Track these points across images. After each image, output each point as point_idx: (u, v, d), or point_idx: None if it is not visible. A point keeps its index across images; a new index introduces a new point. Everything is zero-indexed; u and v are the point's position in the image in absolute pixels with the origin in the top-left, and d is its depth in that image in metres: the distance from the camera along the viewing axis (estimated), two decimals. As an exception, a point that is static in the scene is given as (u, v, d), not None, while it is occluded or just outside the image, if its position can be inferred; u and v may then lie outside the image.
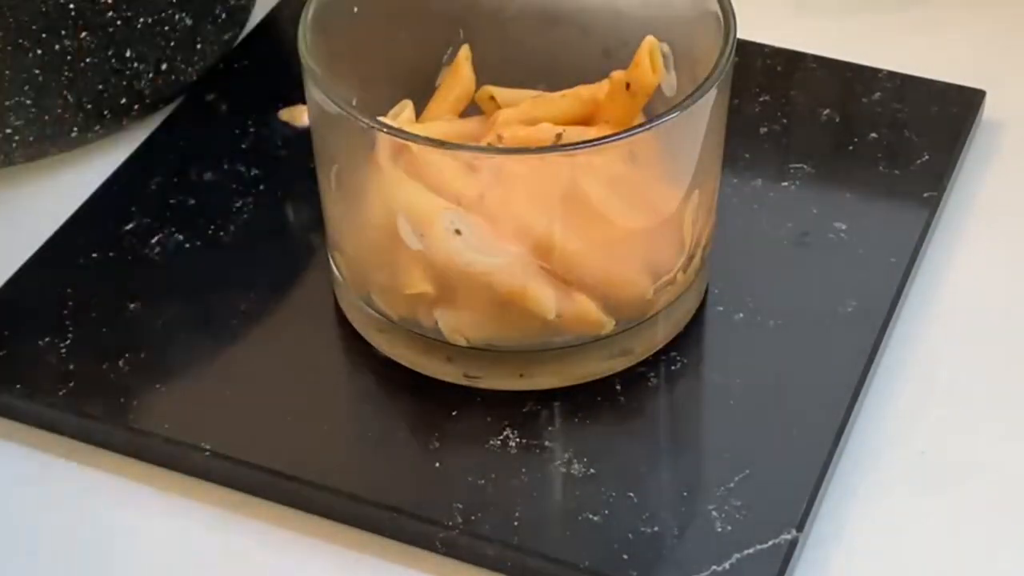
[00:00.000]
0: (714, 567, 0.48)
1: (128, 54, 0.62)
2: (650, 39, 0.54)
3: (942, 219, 0.60)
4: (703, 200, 0.53)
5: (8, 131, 0.62)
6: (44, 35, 0.60)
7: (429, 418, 0.53)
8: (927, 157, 0.61)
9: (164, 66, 0.64)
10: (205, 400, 0.54)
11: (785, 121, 0.63)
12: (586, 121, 0.55)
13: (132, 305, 0.57)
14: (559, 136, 0.53)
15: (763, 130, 0.62)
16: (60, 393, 0.54)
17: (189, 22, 0.64)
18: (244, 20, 0.68)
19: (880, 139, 0.62)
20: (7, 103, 0.61)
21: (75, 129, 0.63)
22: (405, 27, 0.57)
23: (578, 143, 0.51)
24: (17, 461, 0.54)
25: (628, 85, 0.54)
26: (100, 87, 0.62)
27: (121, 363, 0.55)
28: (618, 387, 0.54)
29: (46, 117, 0.62)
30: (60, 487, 0.53)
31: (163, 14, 0.62)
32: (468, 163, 0.50)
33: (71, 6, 0.59)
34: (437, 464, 0.52)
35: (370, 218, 0.52)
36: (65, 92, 0.62)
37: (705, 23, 0.52)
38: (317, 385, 0.54)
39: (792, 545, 0.49)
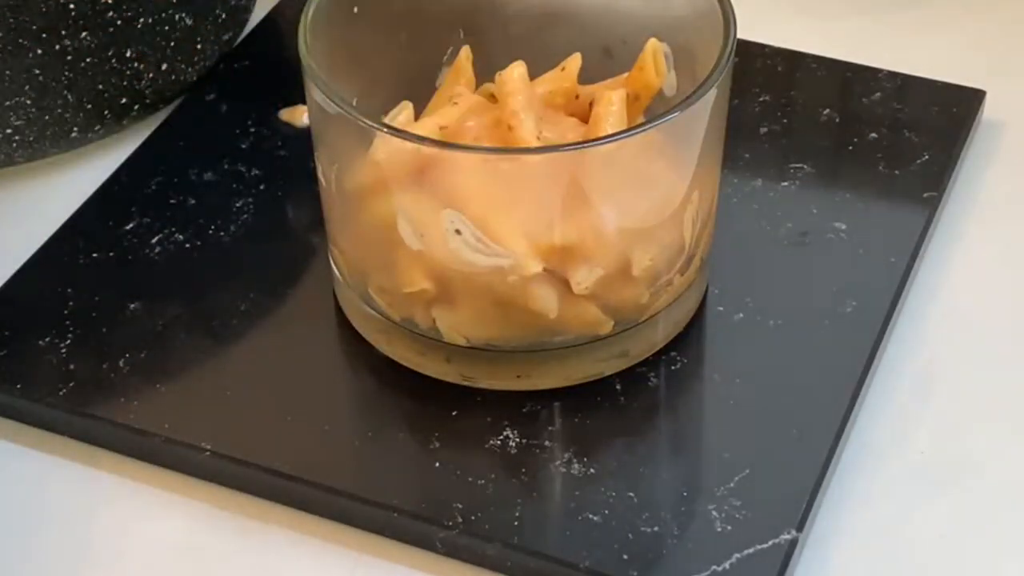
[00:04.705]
0: (714, 567, 0.48)
1: (128, 54, 0.62)
2: (653, 42, 0.54)
3: (942, 219, 0.60)
4: (703, 200, 0.53)
5: (8, 131, 0.62)
6: (44, 35, 0.60)
7: (429, 418, 0.53)
8: (927, 157, 0.61)
9: (164, 66, 0.64)
10: (205, 400, 0.54)
11: (785, 121, 0.63)
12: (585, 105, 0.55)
13: (132, 305, 0.57)
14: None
15: (763, 130, 0.62)
16: (60, 393, 0.54)
17: (189, 22, 0.64)
18: (244, 20, 0.68)
19: (880, 139, 0.62)
20: (7, 103, 0.61)
21: (75, 129, 0.63)
22: (405, 27, 0.57)
23: (578, 143, 0.52)
24: (17, 461, 0.54)
25: (633, 95, 0.54)
26: (100, 87, 0.62)
27: (121, 363, 0.55)
28: (618, 387, 0.54)
29: (46, 117, 0.62)
30: (60, 487, 0.53)
31: (163, 14, 0.62)
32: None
33: (71, 6, 0.59)
34: (437, 464, 0.52)
35: (370, 218, 0.52)
36: (65, 92, 0.62)
37: (705, 23, 0.52)
38: (317, 385, 0.54)
39: (792, 545, 0.49)
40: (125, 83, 0.63)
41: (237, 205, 0.61)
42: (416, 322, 0.53)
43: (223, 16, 0.66)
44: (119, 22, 0.61)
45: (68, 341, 0.56)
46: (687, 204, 0.52)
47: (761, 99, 0.64)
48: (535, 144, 0.52)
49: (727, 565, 0.48)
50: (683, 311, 0.55)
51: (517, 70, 0.53)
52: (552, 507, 0.51)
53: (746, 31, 0.55)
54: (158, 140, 0.64)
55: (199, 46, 0.65)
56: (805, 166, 0.61)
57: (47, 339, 0.56)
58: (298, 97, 0.63)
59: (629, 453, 0.52)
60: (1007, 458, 0.53)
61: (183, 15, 0.63)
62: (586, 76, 0.56)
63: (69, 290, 0.58)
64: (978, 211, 0.61)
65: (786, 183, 0.60)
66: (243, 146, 0.63)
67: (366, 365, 0.55)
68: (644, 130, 0.50)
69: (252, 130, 0.64)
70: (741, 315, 0.56)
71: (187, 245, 0.59)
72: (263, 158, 0.62)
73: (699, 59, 0.52)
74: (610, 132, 0.52)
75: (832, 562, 0.50)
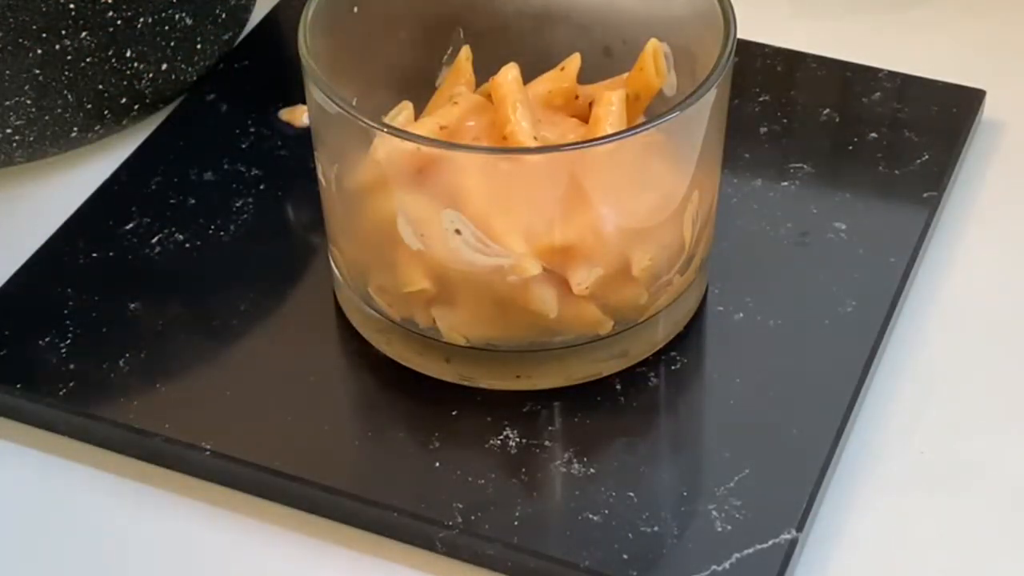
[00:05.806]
0: (714, 567, 0.48)
1: (128, 54, 0.62)
2: (653, 42, 0.54)
3: (942, 219, 0.60)
4: (703, 200, 0.53)
5: (8, 131, 0.62)
6: (44, 35, 0.60)
7: (429, 418, 0.53)
8: (927, 157, 0.61)
9: (164, 66, 0.64)
10: (205, 400, 0.54)
11: (785, 121, 0.63)
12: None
13: (132, 305, 0.57)
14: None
15: (763, 130, 0.62)
16: (60, 393, 0.54)
17: (189, 22, 0.64)
18: (244, 20, 0.68)
19: (880, 139, 0.62)
20: (7, 103, 0.61)
21: (75, 129, 0.63)
22: (405, 27, 0.57)
23: (578, 143, 0.52)
24: (17, 461, 0.54)
25: (633, 95, 0.54)
26: (100, 87, 0.62)
27: (121, 363, 0.55)
28: (618, 387, 0.54)
29: (46, 117, 0.62)
30: (60, 487, 0.53)
31: (163, 14, 0.62)
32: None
33: (71, 6, 0.59)
34: (437, 464, 0.52)
35: (370, 218, 0.52)
36: (65, 92, 0.62)
37: (705, 23, 0.52)
38: (317, 385, 0.54)
39: (792, 545, 0.49)
40: (125, 83, 0.63)
41: (237, 205, 0.61)
42: (416, 322, 0.53)
43: (223, 16, 0.66)
44: (119, 22, 0.61)
45: (68, 341, 0.56)
46: (687, 204, 0.52)
47: (761, 99, 0.64)
48: (534, 145, 0.52)
49: (727, 565, 0.48)
50: (683, 311, 0.55)
51: (511, 73, 0.53)
52: (552, 507, 0.51)
53: (746, 31, 0.55)
54: (158, 140, 0.64)
55: (199, 46, 0.65)
56: (805, 166, 0.61)
57: (47, 339, 0.56)
58: (298, 97, 0.63)
59: (629, 453, 0.52)
60: (1007, 458, 0.53)
61: (183, 15, 0.63)
62: (586, 76, 0.56)
63: (69, 290, 0.58)
64: (978, 211, 0.61)
65: (786, 183, 0.60)
66: (243, 146, 0.63)
67: (366, 365, 0.55)
68: (644, 130, 0.50)
69: (252, 130, 0.64)
70: (741, 315, 0.56)
71: (187, 245, 0.59)
72: (263, 158, 0.62)
73: (699, 59, 0.52)
74: (610, 132, 0.52)
75: (832, 562, 0.50)
